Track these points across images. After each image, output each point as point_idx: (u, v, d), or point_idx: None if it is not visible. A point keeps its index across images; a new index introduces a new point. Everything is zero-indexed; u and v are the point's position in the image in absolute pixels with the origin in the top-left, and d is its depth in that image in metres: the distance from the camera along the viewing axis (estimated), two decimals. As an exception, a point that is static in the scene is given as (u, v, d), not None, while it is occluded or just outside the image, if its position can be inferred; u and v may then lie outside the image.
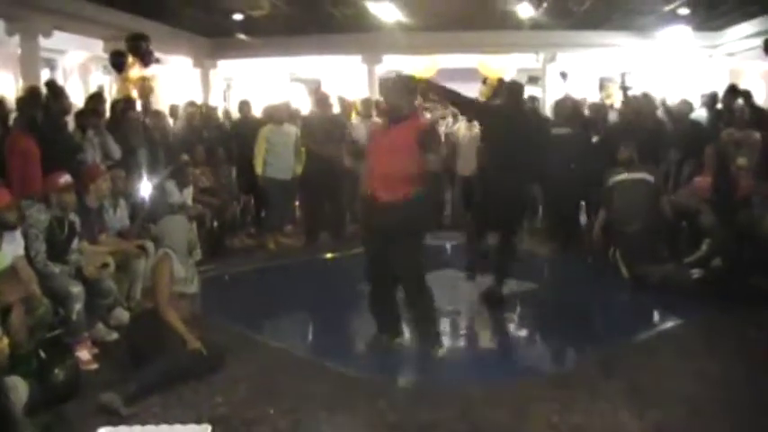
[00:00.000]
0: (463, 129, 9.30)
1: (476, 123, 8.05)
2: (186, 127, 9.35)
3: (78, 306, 4.76)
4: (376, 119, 9.20)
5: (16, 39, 10.55)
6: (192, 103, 10.01)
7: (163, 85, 13.40)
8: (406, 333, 5.21)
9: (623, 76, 8.23)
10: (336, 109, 9.29)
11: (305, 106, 10.91)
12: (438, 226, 8.61)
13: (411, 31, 13.88)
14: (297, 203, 9.48)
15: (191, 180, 8.01)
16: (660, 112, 8.71)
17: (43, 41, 10.69)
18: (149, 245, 5.76)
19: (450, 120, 9.92)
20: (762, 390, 4.22)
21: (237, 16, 13.55)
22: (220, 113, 11.27)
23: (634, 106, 8.25)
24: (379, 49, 15.51)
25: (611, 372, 4.51)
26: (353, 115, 9.87)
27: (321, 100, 9.10)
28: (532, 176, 6.59)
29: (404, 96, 4.86)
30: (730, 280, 5.92)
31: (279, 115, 8.61)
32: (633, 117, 8.17)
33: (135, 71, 9.14)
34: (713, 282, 6.02)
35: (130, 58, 9.11)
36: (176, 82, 15.06)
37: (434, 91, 6.00)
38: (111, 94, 10.56)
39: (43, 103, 6.62)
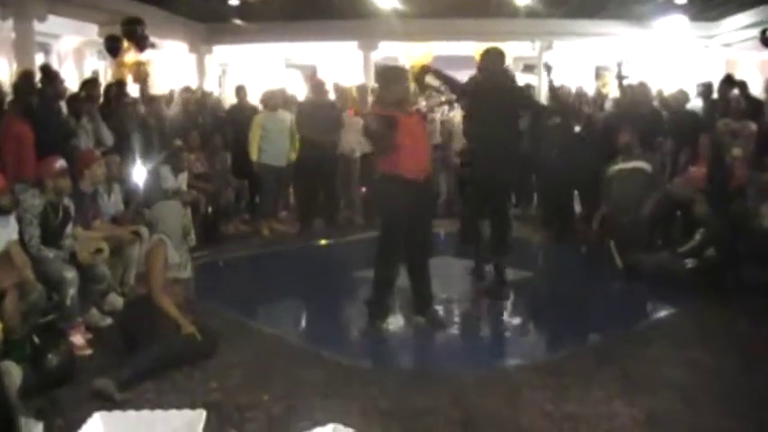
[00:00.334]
0: (459, 116, 9.28)
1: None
2: (181, 112, 9.32)
3: (72, 291, 4.74)
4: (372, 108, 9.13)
5: (10, 23, 10.46)
6: (187, 89, 9.97)
7: (158, 70, 13.36)
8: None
9: (619, 65, 8.16)
10: (332, 96, 9.26)
11: (300, 92, 10.86)
12: (432, 214, 8.58)
13: (407, 17, 13.80)
14: (291, 190, 9.47)
15: (185, 165, 8.00)
16: (656, 103, 8.70)
17: (38, 26, 10.57)
18: (144, 230, 5.73)
19: (446, 107, 9.90)
20: (753, 379, 4.24)
21: (233, 1, 13.44)
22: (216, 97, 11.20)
23: (630, 96, 8.24)
24: (375, 36, 15.40)
25: (604, 360, 4.52)
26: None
27: (317, 86, 9.08)
28: (516, 145, 6.42)
29: (407, 89, 5.29)
30: (723, 270, 5.95)
31: (273, 101, 8.59)
32: (630, 106, 8.16)
33: (130, 56, 9.08)
34: (706, 272, 6.04)
35: (125, 43, 9.05)
36: (171, 67, 14.98)
37: (433, 75, 6.27)
38: (105, 79, 10.51)
39: (38, 88, 6.59)
